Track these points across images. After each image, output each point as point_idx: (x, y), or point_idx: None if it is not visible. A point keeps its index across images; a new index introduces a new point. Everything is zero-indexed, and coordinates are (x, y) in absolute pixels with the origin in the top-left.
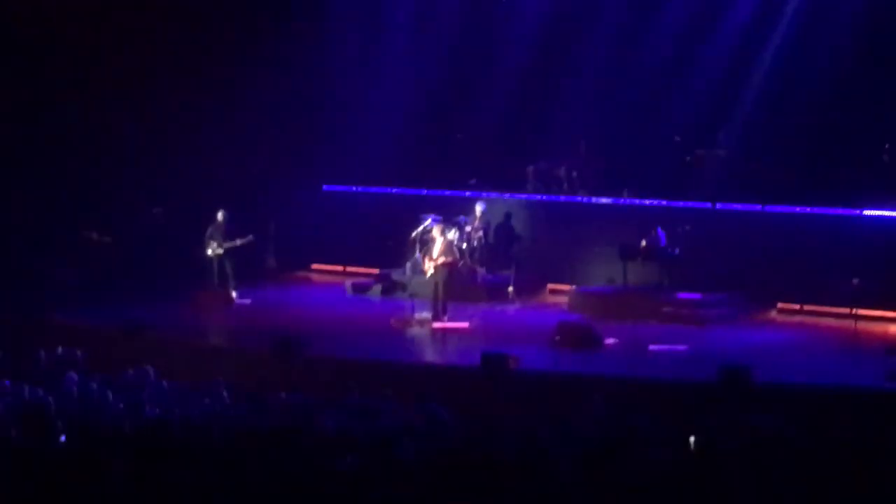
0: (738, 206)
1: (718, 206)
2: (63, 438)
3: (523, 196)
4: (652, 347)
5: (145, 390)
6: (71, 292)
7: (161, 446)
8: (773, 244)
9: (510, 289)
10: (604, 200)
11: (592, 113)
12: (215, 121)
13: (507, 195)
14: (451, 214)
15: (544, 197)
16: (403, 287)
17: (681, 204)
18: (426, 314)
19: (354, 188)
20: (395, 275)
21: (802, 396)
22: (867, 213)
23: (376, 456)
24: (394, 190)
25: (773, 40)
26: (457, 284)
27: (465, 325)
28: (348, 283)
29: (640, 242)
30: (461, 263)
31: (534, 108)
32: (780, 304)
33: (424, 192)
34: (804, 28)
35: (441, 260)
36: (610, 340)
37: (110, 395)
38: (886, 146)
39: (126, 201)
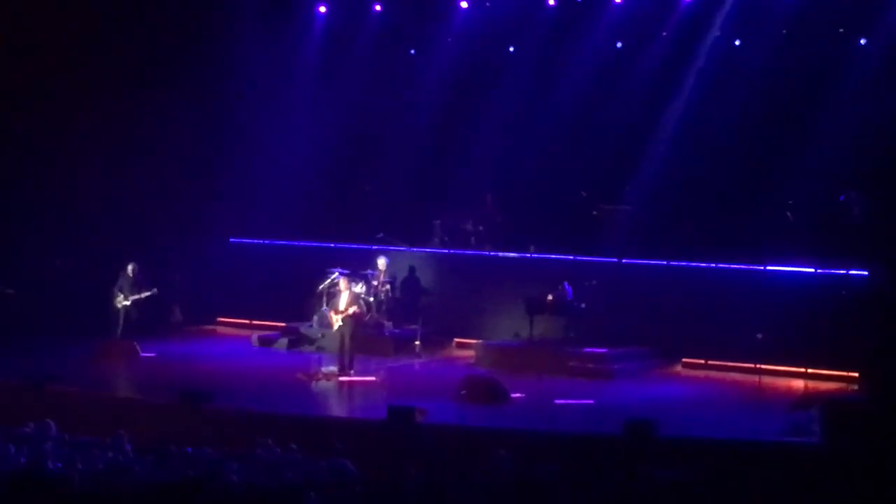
0: (643, 262)
1: (624, 261)
2: None
3: (430, 250)
4: (558, 401)
5: (47, 444)
6: None
7: (63, 501)
8: (678, 299)
9: (417, 343)
10: (510, 255)
11: (499, 167)
12: (122, 173)
13: (414, 249)
14: (358, 268)
15: (451, 251)
16: (310, 340)
17: (587, 259)
18: (333, 367)
19: (261, 241)
20: (302, 328)
21: (706, 450)
22: (770, 268)
23: None
24: (301, 243)
25: (679, 97)
26: (363, 337)
27: (371, 378)
28: (254, 336)
29: (546, 297)
30: (368, 317)
31: (441, 162)
32: (684, 359)
33: (332, 245)
34: (710, 86)
35: (348, 311)
36: (516, 394)
37: (12, 449)
38: (790, 202)
39: (28, 253)
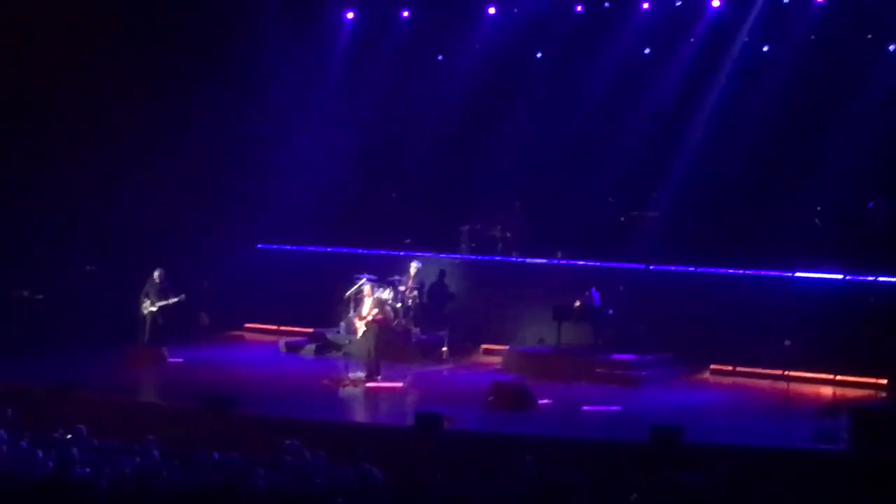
0: (671, 268)
1: (652, 267)
2: None
3: (457, 256)
4: (585, 408)
5: (75, 449)
6: (1, 350)
7: None
8: (706, 306)
9: (444, 349)
10: (538, 261)
11: (527, 173)
12: (150, 178)
13: (441, 255)
14: (385, 274)
15: (478, 257)
16: (337, 346)
17: (615, 265)
18: (360, 373)
19: (289, 247)
20: (329, 334)
21: (734, 457)
22: (799, 275)
23: None
24: (328, 249)
25: (706, 102)
26: (390, 344)
27: (399, 384)
28: (282, 341)
29: (574, 303)
30: (395, 323)
31: (468, 168)
32: (712, 366)
33: (359, 251)
34: (737, 91)
35: (371, 315)
36: (544, 401)
37: (40, 454)
38: (818, 209)
39: (57, 259)
